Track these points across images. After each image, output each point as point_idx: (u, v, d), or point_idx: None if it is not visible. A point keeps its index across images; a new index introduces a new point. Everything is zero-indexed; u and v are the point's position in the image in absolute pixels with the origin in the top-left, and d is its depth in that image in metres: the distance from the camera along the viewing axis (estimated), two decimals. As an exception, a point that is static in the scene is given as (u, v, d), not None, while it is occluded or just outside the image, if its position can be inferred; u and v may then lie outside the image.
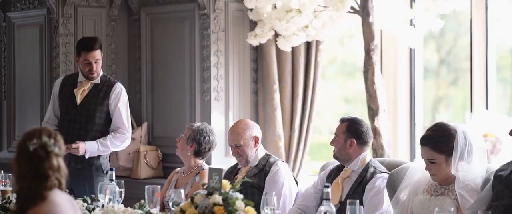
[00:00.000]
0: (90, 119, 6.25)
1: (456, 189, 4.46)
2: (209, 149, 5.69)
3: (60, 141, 3.37)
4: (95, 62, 6.20)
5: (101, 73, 6.34)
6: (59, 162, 3.35)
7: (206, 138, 5.65)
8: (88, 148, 6.16)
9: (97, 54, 6.20)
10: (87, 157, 6.18)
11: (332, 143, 5.18)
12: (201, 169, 5.63)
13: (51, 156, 3.32)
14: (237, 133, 5.45)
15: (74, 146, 6.09)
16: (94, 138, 6.23)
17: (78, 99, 6.28)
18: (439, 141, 4.51)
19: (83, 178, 6.23)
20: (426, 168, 4.57)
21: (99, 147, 6.20)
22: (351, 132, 5.11)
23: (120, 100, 6.29)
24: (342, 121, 5.19)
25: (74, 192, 5.99)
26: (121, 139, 6.27)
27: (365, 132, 5.13)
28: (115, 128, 6.28)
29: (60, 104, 6.37)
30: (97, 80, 6.30)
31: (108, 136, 6.24)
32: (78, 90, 6.29)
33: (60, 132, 6.24)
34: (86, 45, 6.20)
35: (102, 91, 6.29)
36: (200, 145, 5.64)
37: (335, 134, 5.18)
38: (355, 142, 5.09)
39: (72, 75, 6.49)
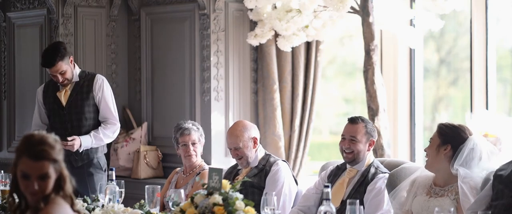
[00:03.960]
0: (80, 116, 6.29)
1: (458, 182, 4.49)
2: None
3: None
4: (61, 74, 6.22)
5: (78, 71, 6.36)
6: None
7: (203, 134, 5.75)
8: (82, 142, 6.19)
9: (60, 67, 6.19)
10: (80, 150, 6.21)
11: (348, 144, 5.10)
12: (202, 169, 5.63)
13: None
14: (235, 136, 5.44)
15: (69, 142, 6.10)
16: (88, 133, 6.27)
17: (63, 101, 6.32)
18: (446, 129, 4.61)
19: (83, 176, 6.26)
20: (425, 149, 4.69)
21: (93, 140, 6.24)
22: (370, 133, 5.13)
23: (104, 91, 6.33)
24: (356, 121, 5.13)
25: (77, 190, 5.98)
26: (112, 129, 6.33)
27: (375, 131, 5.21)
28: (103, 119, 6.33)
29: (47, 110, 6.41)
30: (76, 79, 6.33)
31: (99, 128, 6.29)
32: (60, 93, 6.34)
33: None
34: (45, 62, 6.22)
35: (84, 86, 6.33)
36: (204, 141, 5.74)
37: (351, 136, 5.09)
38: (374, 142, 5.13)
39: (52, 80, 6.47)
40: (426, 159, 4.68)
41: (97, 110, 6.34)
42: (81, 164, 6.30)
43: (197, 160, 5.72)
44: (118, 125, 6.39)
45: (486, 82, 6.96)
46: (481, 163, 4.58)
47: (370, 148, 5.12)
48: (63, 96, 6.33)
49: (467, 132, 4.61)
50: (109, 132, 6.31)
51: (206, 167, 5.68)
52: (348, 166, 5.18)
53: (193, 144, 5.68)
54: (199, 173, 5.60)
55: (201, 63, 7.31)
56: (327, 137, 8.52)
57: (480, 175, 4.56)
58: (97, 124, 6.35)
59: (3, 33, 8.22)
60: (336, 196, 5.06)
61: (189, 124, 5.75)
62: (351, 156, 5.11)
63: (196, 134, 5.71)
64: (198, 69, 7.33)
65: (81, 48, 7.68)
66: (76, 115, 6.30)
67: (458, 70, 7.54)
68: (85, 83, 6.33)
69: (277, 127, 7.27)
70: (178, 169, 5.84)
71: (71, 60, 6.28)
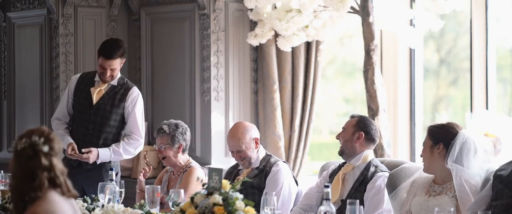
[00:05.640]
0: (105, 121, 6.07)
1: (454, 181, 4.49)
2: (190, 140, 5.69)
3: (53, 140, 3.31)
4: (111, 70, 6.02)
5: (119, 75, 6.15)
6: (52, 161, 3.30)
7: (185, 131, 5.65)
8: (100, 155, 5.98)
9: (115, 63, 6.00)
10: (98, 162, 6.01)
11: (338, 135, 5.20)
12: (188, 167, 5.62)
13: (40, 154, 3.27)
14: (237, 138, 5.42)
15: (84, 155, 5.91)
16: (106, 140, 6.07)
17: (94, 99, 6.08)
18: (435, 129, 4.64)
19: (94, 179, 5.93)
20: (421, 154, 4.72)
21: (112, 154, 6.04)
22: (361, 127, 5.14)
23: (136, 105, 6.13)
24: (353, 116, 5.24)
25: (86, 192, 5.77)
26: (135, 145, 6.13)
27: (374, 129, 5.17)
28: (129, 132, 6.12)
29: (76, 102, 6.16)
30: (115, 82, 6.11)
31: (121, 142, 6.08)
32: (94, 90, 6.09)
33: (72, 131, 6.12)
34: (105, 52, 6.00)
35: (119, 93, 6.11)
36: (185, 141, 5.64)
37: (343, 127, 5.21)
38: (363, 135, 5.11)
39: (90, 73, 6.28)
40: (423, 163, 4.69)
41: (122, 120, 6.13)
42: (91, 166, 6.04)
43: (173, 162, 5.65)
44: (142, 141, 6.16)
45: (486, 82, 6.96)
46: (477, 157, 4.57)
47: (358, 141, 5.13)
48: (96, 94, 6.08)
49: (457, 128, 4.63)
50: (131, 148, 6.10)
51: (193, 163, 5.66)
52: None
53: (160, 148, 5.64)
54: (185, 170, 5.59)
55: (201, 63, 7.31)
56: (327, 137, 8.52)
57: (481, 174, 4.56)
58: (118, 134, 6.14)
59: (3, 33, 8.22)
60: (333, 193, 5.07)
61: (164, 126, 5.68)
62: (341, 149, 5.18)
63: (164, 137, 5.61)
64: (198, 69, 7.33)
65: (81, 48, 7.68)
66: (102, 118, 6.06)
67: (458, 70, 7.54)
68: (120, 91, 6.10)
69: (277, 127, 7.27)
70: (168, 167, 5.82)
71: (122, 63, 6.11)
